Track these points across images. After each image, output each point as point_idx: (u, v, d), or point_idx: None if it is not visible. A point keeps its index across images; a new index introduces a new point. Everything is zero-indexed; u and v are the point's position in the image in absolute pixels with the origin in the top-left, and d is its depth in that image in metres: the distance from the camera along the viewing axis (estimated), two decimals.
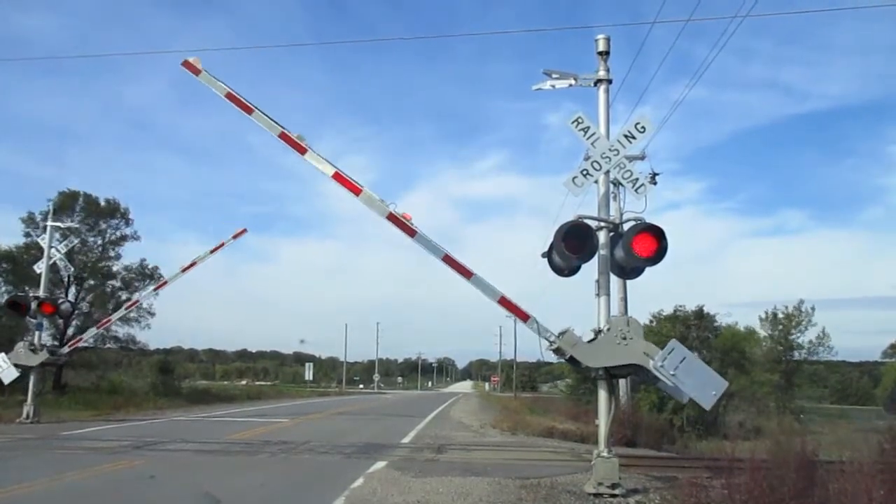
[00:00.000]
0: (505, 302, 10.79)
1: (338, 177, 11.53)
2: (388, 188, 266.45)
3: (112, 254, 37.09)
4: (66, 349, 23.76)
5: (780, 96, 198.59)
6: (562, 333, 10.08)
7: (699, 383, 9.26)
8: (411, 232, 11.05)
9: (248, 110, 12.17)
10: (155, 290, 26.49)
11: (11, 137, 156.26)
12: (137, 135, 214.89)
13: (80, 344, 24.57)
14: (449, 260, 10.96)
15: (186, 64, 12.77)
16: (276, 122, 11.98)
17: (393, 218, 11.14)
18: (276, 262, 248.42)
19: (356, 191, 11.40)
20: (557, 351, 10.20)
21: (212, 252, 23.00)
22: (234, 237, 23.41)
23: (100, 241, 36.57)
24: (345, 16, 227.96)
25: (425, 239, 11.03)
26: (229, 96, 12.42)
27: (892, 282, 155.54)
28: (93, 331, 26.83)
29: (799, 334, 45.39)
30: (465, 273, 10.82)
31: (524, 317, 10.54)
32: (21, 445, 14.59)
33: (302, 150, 11.68)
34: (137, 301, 30.48)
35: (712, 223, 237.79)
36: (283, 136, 11.84)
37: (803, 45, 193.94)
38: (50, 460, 12.49)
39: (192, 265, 22.88)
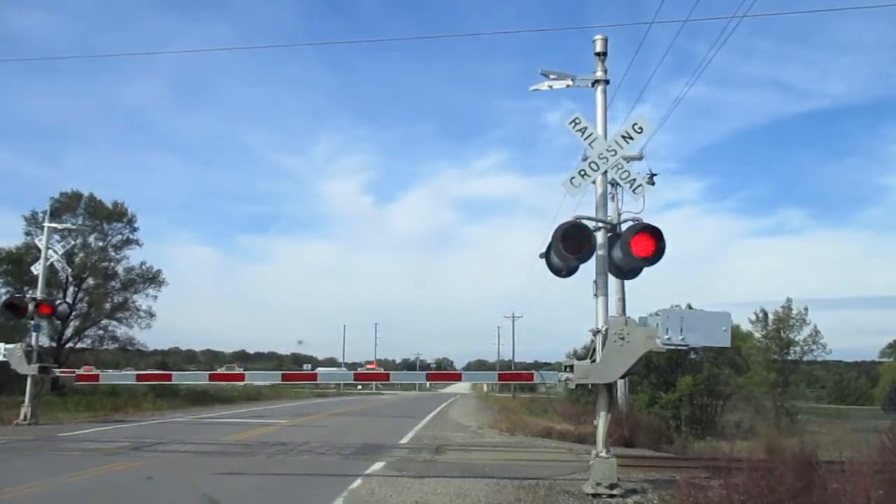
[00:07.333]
0: (505, 377, 11.91)
1: (289, 376, 12.42)
2: (387, 187, 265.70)
3: (116, 255, 37.12)
4: (57, 371, 23.49)
5: (781, 95, 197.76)
6: (568, 368, 10.11)
7: (706, 331, 9.24)
8: (385, 377, 11.94)
9: None
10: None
11: (11, 138, 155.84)
12: (135, 134, 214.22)
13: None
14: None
15: None
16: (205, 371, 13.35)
17: (361, 376, 12.25)
18: (273, 263, 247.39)
19: (313, 378, 12.42)
20: (578, 386, 10.34)
21: None
22: None
23: (101, 243, 36.60)
24: (343, 14, 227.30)
25: (402, 375, 12.19)
26: None
27: (890, 281, 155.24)
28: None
29: (795, 334, 45.44)
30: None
31: (530, 378, 10.98)
32: (19, 447, 14.55)
33: (241, 378, 12.50)
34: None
35: (712, 222, 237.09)
36: (214, 377, 12.69)
37: (805, 44, 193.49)
38: (48, 462, 12.47)
39: None
